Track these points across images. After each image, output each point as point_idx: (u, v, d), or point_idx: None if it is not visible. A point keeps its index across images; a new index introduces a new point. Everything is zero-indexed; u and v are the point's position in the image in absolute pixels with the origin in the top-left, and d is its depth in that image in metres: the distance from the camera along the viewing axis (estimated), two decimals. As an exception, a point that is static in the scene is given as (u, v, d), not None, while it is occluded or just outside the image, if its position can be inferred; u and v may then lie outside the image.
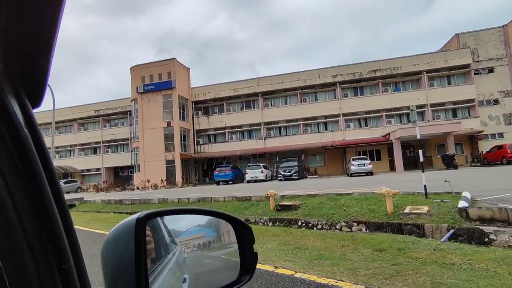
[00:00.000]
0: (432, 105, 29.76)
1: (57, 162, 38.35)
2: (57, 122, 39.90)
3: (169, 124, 31.70)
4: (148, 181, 28.83)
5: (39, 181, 0.46)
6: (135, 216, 0.66)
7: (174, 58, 32.48)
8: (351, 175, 23.20)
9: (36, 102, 0.52)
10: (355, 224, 8.00)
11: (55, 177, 0.50)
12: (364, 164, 22.77)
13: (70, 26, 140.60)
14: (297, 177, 24.84)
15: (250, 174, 25.93)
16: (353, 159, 23.71)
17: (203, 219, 0.92)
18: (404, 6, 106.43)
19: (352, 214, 8.45)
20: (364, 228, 7.79)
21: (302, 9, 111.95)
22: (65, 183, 33.64)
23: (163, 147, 31.62)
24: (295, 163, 25.97)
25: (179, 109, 32.32)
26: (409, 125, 28.54)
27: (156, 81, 32.44)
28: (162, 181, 29.04)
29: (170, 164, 31.27)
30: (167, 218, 0.83)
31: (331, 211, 9.16)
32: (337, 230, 8.08)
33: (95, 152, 39.40)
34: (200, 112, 35.72)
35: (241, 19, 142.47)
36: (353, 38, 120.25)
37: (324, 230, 8.29)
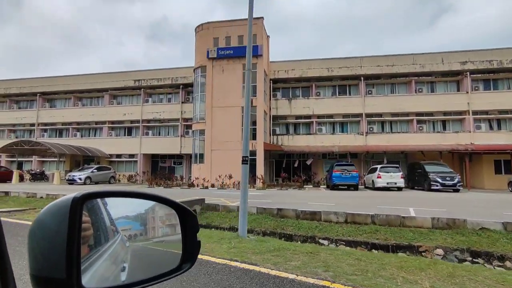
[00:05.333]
0: None
1: (78, 142, 29.52)
2: (81, 92, 31.27)
3: (250, 103, 23.73)
4: (231, 176, 20.75)
5: None
6: (71, 195, 0.61)
7: (262, 18, 24.66)
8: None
9: None
10: None
11: None
12: None
13: (61, 6, 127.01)
14: (460, 187, 17.69)
15: (385, 178, 18.60)
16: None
17: (133, 210, 0.85)
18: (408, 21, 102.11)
19: None
20: None
21: (302, 15, 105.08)
22: (97, 169, 24.97)
23: (239, 133, 23.64)
24: (449, 169, 18.84)
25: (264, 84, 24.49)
26: None
27: (234, 45, 24.51)
28: (259, 178, 21.17)
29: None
30: (109, 205, 0.79)
31: None
32: None
33: (129, 134, 30.77)
34: (278, 93, 27.98)
35: (239, 16, 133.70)
36: (352, 47, 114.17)
37: None
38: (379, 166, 19.57)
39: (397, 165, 19.81)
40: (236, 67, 24.27)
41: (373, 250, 6.93)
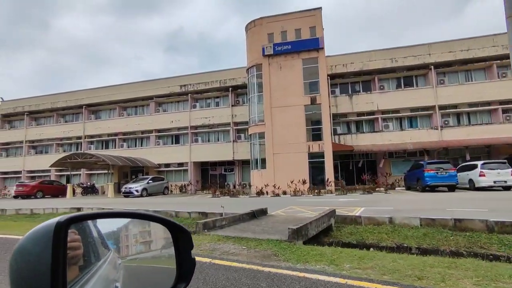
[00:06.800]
0: None
1: (125, 153, 28.54)
2: (126, 101, 30.47)
3: (313, 100, 21.78)
4: (304, 181, 18.76)
5: None
6: (55, 220, 0.58)
7: (320, 8, 22.76)
8: None
9: None
10: None
11: None
12: None
13: (82, 26, 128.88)
14: None
15: (490, 176, 15.96)
16: None
17: (111, 227, 0.81)
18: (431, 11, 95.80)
19: None
20: None
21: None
22: (152, 180, 23.72)
23: (304, 134, 21.66)
24: None
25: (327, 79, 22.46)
26: None
27: (291, 39, 22.69)
28: (333, 182, 19.08)
29: (314, 158, 21.29)
30: (99, 222, 0.76)
31: None
32: None
33: (177, 141, 29.54)
34: (336, 89, 25.84)
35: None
36: (369, 43, 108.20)
37: None
38: (479, 163, 16.87)
39: (504, 161, 17.02)
40: (294, 62, 22.41)
41: None
